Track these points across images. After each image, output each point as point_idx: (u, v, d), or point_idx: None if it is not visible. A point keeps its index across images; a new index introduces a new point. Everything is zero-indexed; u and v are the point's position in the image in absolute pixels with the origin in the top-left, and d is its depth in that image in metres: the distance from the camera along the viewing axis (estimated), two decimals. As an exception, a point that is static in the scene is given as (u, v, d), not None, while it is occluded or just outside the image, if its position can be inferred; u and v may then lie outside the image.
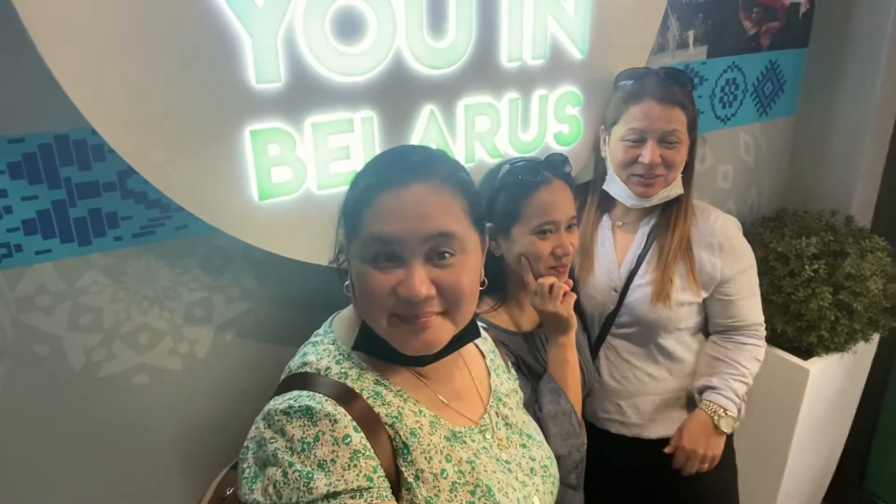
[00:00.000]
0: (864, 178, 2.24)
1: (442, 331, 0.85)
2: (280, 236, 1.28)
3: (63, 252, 1.18)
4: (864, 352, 2.16)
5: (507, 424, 1.01)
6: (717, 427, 1.53)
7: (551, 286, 1.29)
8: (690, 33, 1.92)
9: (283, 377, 0.90)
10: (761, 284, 2.04)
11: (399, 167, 0.84)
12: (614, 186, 1.53)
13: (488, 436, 0.96)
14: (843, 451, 2.39)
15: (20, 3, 0.95)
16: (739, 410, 1.55)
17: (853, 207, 2.24)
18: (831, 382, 2.10)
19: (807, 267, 1.97)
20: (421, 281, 0.81)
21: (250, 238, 1.25)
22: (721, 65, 2.04)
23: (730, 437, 1.73)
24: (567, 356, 1.29)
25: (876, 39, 2.10)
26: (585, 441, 1.35)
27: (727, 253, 1.52)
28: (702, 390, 1.58)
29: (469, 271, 0.86)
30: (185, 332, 1.35)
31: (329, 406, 0.79)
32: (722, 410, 1.53)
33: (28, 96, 1.08)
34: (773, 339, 2.08)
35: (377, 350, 0.87)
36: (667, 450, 1.57)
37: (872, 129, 2.17)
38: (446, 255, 0.83)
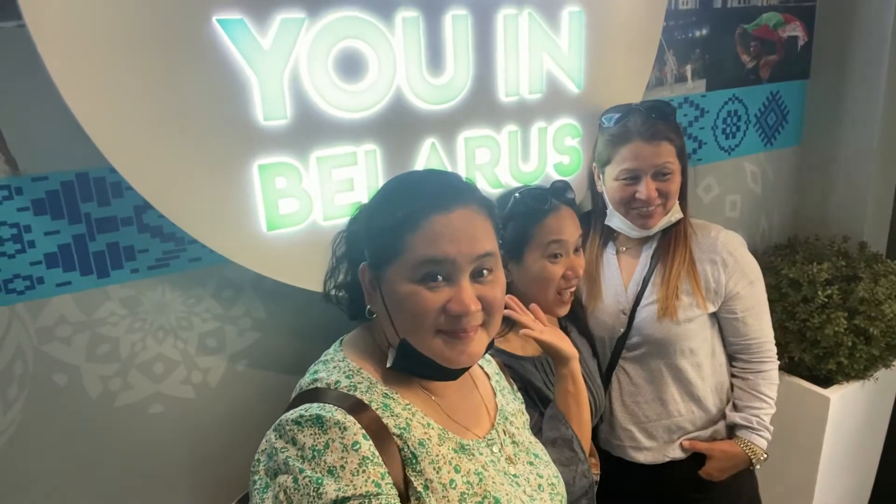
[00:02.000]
0: (875, 204, 2.24)
1: (482, 342, 0.91)
2: (288, 266, 1.33)
3: (83, 284, 1.24)
4: (888, 379, 2.11)
5: (514, 442, 1.03)
6: (751, 464, 1.59)
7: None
8: (688, 67, 1.98)
9: (293, 395, 0.92)
10: (775, 311, 2.04)
11: (442, 193, 0.88)
12: (616, 221, 1.56)
13: (495, 449, 0.98)
14: (875, 484, 2.31)
15: (45, 52, 1.04)
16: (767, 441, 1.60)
17: (865, 233, 2.23)
18: (854, 411, 2.05)
19: (820, 293, 1.96)
20: (469, 297, 0.86)
21: (259, 268, 1.30)
22: (721, 97, 2.09)
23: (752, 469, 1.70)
24: (568, 387, 1.29)
25: (875, 69, 2.13)
26: (596, 469, 1.34)
27: (731, 268, 1.53)
28: (735, 426, 1.60)
29: (501, 285, 0.93)
30: (198, 362, 1.39)
31: (339, 415, 0.82)
32: (760, 451, 1.57)
33: (51, 137, 1.16)
34: (792, 367, 2.06)
35: (415, 368, 0.92)
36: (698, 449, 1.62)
37: (878, 155, 2.18)
38: (485, 271, 0.89)
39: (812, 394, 1.99)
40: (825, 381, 2.01)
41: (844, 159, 2.26)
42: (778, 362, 1.62)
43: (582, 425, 1.30)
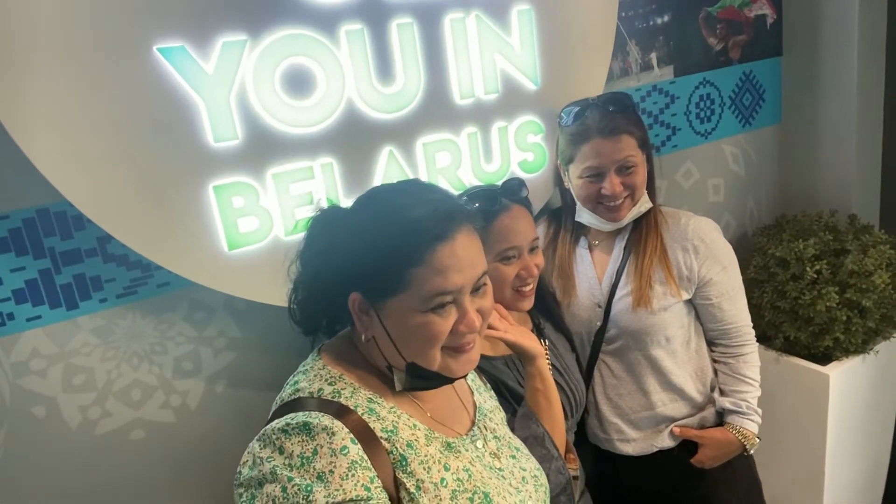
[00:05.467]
0: (861, 176, 2.21)
1: (479, 346, 0.96)
2: (253, 283, 1.34)
3: (53, 317, 1.27)
4: (890, 351, 2.06)
5: (495, 437, 1.05)
6: (745, 450, 1.57)
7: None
8: (653, 55, 1.98)
9: (274, 408, 0.92)
10: (765, 292, 2.02)
11: (438, 219, 0.87)
12: (585, 216, 1.55)
13: (479, 445, 0.99)
14: (891, 462, 2.25)
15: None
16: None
17: (854, 207, 2.20)
18: (857, 386, 2.00)
19: (808, 269, 1.93)
20: (475, 316, 0.90)
21: (224, 287, 1.32)
22: (691, 82, 2.08)
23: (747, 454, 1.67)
24: (536, 385, 1.27)
25: (847, 38, 2.11)
26: (574, 464, 1.33)
27: (703, 254, 1.51)
28: (725, 411, 1.58)
29: (491, 292, 0.96)
30: (175, 386, 1.41)
31: (326, 420, 0.83)
32: (752, 435, 1.56)
33: (9, 176, 1.20)
34: (788, 347, 2.02)
35: (424, 385, 0.95)
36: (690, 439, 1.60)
37: (860, 126, 2.15)
38: (482, 285, 0.93)
39: (810, 372, 1.95)
40: (823, 359, 1.97)
41: (827, 132, 2.23)
42: (757, 345, 1.60)
43: (554, 422, 1.28)
